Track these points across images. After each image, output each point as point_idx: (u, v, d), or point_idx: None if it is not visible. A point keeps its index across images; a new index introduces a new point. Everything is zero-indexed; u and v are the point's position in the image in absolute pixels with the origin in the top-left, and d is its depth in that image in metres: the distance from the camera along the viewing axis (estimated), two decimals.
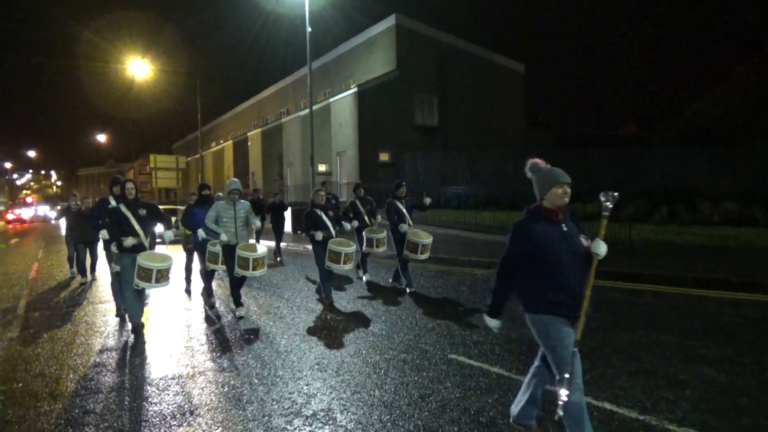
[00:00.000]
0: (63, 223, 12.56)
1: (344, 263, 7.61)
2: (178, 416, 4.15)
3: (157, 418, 4.12)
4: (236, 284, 7.45)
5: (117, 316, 7.65)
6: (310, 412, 4.15)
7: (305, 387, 4.68)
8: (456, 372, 4.92)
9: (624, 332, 5.97)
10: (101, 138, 61.60)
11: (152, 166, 27.11)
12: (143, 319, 6.81)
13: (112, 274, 7.70)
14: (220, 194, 13.72)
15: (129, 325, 6.79)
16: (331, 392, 4.53)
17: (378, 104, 24.90)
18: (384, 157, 25.13)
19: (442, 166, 23.41)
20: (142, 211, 6.56)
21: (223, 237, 7.09)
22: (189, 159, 46.88)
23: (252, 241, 7.14)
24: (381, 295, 8.49)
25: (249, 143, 38.60)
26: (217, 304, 8.27)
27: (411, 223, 8.65)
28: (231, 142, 43.25)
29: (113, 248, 6.67)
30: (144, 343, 6.30)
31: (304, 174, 28.17)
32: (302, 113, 29.54)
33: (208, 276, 8.45)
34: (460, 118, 27.68)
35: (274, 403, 4.35)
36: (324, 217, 7.84)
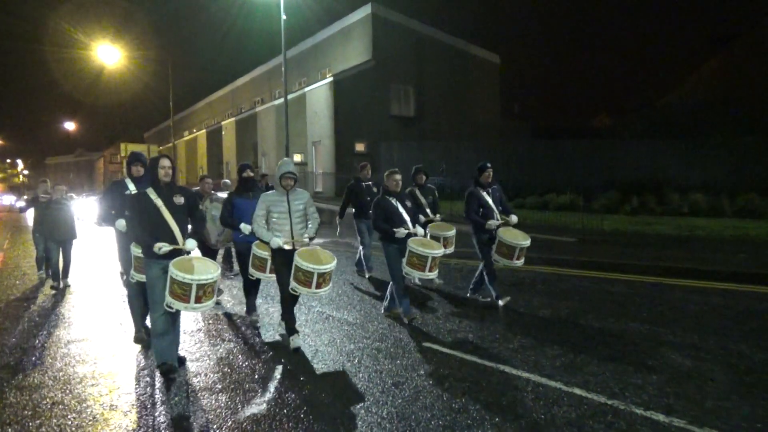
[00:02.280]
0: (31, 215, 10.23)
1: (430, 270, 6.00)
2: (150, 405, 4.10)
3: (128, 406, 4.07)
4: (291, 304, 5.42)
5: (136, 341, 5.73)
6: (287, 402, 4.13)
7: (279, 376, 4.66)
8: (430, 360, 4.95)
9: (595, 320, 6.09)
10: (70, 126, 60.10)
11: (123, 156, 26.64)
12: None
13: (130, 286, 5.73)
14: (228, 181, 12.01)
15: (142, 354, 5.27)
16: (317, 380, 4.52)
17: (354, 94, 24.78)
18: (360, 147, 25.07)
19: (418, 157, 23.47)
20: (179, 199, 4.71)
21: (276, 241, 5.17)
22: (161, 148, 46.04)
23: (314, 244, 5.41)
24: (355, 285, 8.48)
25: (223, 132, 38.13)
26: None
27: (499, 218, 6.79)
28: (204, 131, 42.67)
29: (134, 250, 5.18)
30: (180, 390, 4.37)
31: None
32: (277, 102, 29.25)
33: (251, 288, 6.67)
34: (436, 108, 27.73)
35: (249, 392, 4.32)
36: (400, 209, 6.20)
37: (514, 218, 6.83)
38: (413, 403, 4.02)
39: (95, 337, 6.04)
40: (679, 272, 8.27)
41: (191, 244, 4.63)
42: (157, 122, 61.15)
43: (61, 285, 9.00)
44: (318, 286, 5.11)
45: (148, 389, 4.46)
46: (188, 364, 5.04)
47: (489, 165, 6.86)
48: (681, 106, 27.31)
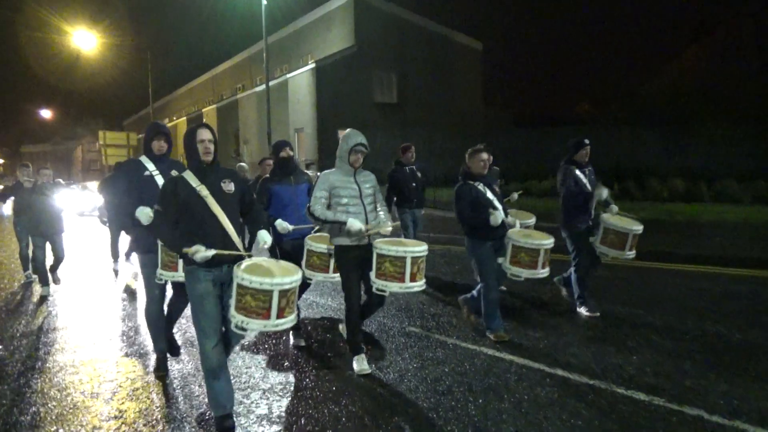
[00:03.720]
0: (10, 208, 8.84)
1: (542, 266, 4.83)
2: (131, 391, 4.06)
3: (109, 394, 4.02)
4: (365, 311, 4.51)
5: (158, 375, 4.36)
6: (268, 385, 4.13)
7: (263, 362, 4.64)
8: (414, 344, 4.97)
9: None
10: (46, 114, 58.90)
11: (102, 143, 26.23)
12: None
13: (151, 290, 4.29)
14: (244, 164, 9.57)
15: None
16: (293, 366, 4.50)
17: (336, 81, 24.58)
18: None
19: (402, 144, 23.40)
20: (228, 186, 3.46)
21: (355, 222, 4.06)
22: (141, 136, 45.41)
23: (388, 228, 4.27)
24: None
25: (204, 120, 37.64)
26: None
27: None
28: (185, 118, 42.06)
29: (163, 254, 4.06)
30: None
31: (260, 152, 27.71)
32: (258, 89, 28.93)
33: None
34: (419, 95, 27.65)
35: (232, 378, 4.28)
36: (489, 195, 5.01)
37: (614, 207, 5.68)
38: (398, 386, 4.03)
39: (75, 326, 5.95)
40: (659, 256, 8.39)
41: (264, 236, 3.49)
42: (136, 109, 60.15)
43: (51, 282, 7.67)
44: (413, 278, 4.05)
45: (129, 376, 4.41)
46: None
47: (587, 141, 5.64)
48: (661, 95, 27.59)
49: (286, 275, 3.15)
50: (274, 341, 5.16)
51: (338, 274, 4.48)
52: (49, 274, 7.63)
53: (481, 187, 5.01)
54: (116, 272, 8.90)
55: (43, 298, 7.24)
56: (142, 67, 40.75)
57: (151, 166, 4.17)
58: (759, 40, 25.17)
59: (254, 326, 3.15)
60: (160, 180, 4.06)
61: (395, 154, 7.87)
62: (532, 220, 6.44)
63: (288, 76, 26.81)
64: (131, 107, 62.03)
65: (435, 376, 4.19)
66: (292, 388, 4.06)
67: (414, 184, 7.51)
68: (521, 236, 4.85)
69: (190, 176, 3.38)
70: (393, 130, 24.50)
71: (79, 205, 21.22)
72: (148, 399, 3.95)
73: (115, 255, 8.95)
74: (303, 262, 4.77)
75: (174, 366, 4.58)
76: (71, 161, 79.22)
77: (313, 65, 24.65)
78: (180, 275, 3.88)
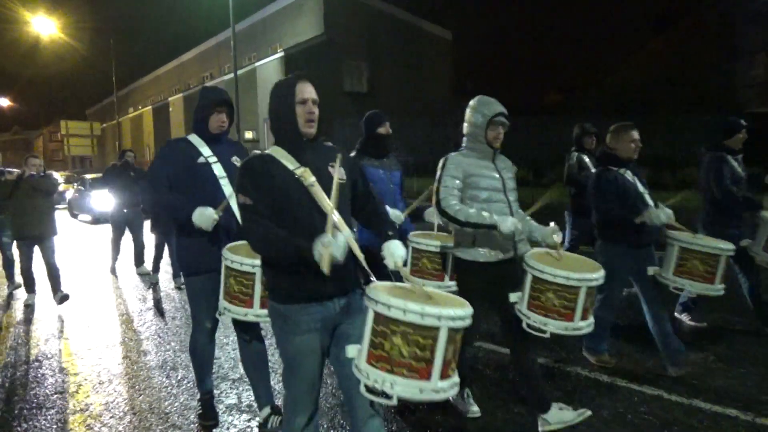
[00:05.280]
0: None
1: (720, 280, 3.58)
2: (97, 385, 3.99)
3: (75, 388, 3.94)
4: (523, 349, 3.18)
5: (206, 424, 3.34)
6: (237, 375, 4.10)
7: (233, 352, 4.60)
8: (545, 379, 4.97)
9: None
10: (3, 102, 56.88)
11: (64, 133, 25.49)
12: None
13: (200, 321, 3.26)
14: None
15: None
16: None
17: (306, 69, 24.32)
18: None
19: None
20: (339, 171, 2.27)
21: (512, 221, 2.85)
22: (105, 125, 44.34)
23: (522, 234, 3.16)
24: None
25: (170, 109, 36.88)
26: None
27: None
28: (150, 107, 41.18)
29: (234, 279, 2.81)
30: None
31: None
32: (226, 78, 28.45)
33: None
34: (390, 84, 27.60)
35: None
36: (640, 186, 3.86)
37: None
38: None
39: (38, 321, 5.81)
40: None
41: (397, 249, 2.19)
42: (100, 98, 58.55)
43: (32, 297, 6.39)
44: (584, 315, 2.84)
45: (94, 370, 4.33)
46: (137, 344, 4.91)
47: (744, 123, 4.63)
48: (627, 85, 28.16)
49: (455, 305, 1.95)
50: None
51: (455, 282, 3.30)
52: (54, 294, 6.18)
53: (629, 176, 3.86)
54: (114, 271, 8.08)
55: (11, 297, 7.02)
56: (106, 54, 39.65)
57: (206, 150, 3.08)
58: (720, 30, 25.84)
59: (407, 393, 1.86)
60: (218, 170, 3.05)
61: None
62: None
63: (257, 64, 26.44)
64: (95, 96, 60.50)
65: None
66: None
67: None
68: (691, 237, 3.66)
69: (281, 154, 2.20)
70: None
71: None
72: (115, 392, 3.89)
73: (115, 254, 8.14)
74: (407, 267, 2.93)
75: (141, 358, 4.51)
76: (32, 152, 76.68)
77: (282, 54, 24.37)
78: (259, 314, 2.75)
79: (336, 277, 2.03)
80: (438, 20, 32.41)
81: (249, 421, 3.38)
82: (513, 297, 3.01)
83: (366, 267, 2.11)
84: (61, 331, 5.36)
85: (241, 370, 4.16)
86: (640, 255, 3.83)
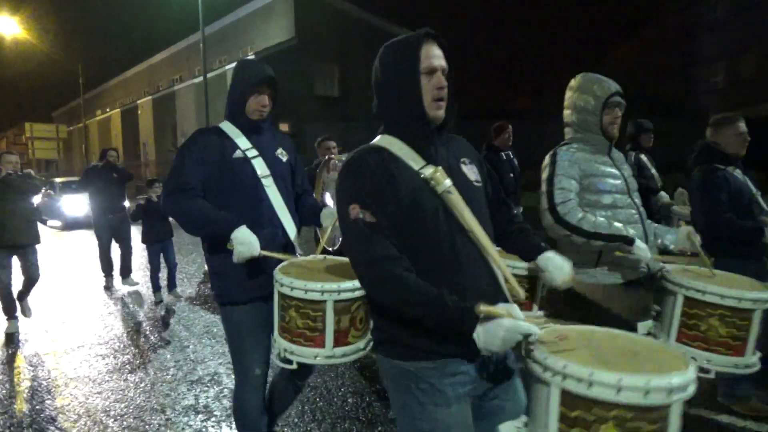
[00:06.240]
0: None
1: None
2: (53, 388, 3.97)
3: (30, 392, 3.91)
4: None
5: None
6: (196, 377, 4.12)
7: (192, 354, 4.62)
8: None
9: None
10: None
11: (28, 136, 24.92)
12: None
13: (246, 372, 2.43)
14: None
15: None
16: (219, 358, 4.50)
17: (277, 73, 22.68)
18: (284, 127, 24.64)
19: (344, 138, 23.40)
20: (470, 168, 1.70)
21: (643, 248, 2.27)
22: (71, 128, 43.49)
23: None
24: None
25: (139, 112, 36.37)
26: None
27: None
28: (119, 110, 40.52)
29: (293, 314, 2.05)
30: None
31: None
32: (197, 81, 28.19)
33: None
34: (361, 89, 27.60)
35: (158, 371, 4.26)
36: (752, 186, 3.26)
37: None
38: (325, 373, 4.10)
39: None
40: None
41: (564, 267, 1.81)
42: (66, 100, 57.34)
43: (21, 313, 5.58)
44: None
45: (51, 373, 4.30)
46: (96, 348, 4.89)
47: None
48: None
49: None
50: (205, 337, 5.14)
51: (543, 312, 2.41)
52: (17, 303, 5.51)
53: (739, 174, 3.22)
54: (109, 288, 7.21)
55: None
56: (73, 55, 38.89)
57: (243, 142, 2.43)
58: (682, 37, 26.63)
59: None
60: (260, 166, 2.41)
61: None
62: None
63: (227, 67, 26.25)
64: (61, 98, 59.19)
65: (366, 362, 4.20)
66: (220, 379, 4.06)
67: (512, 175, 5.96)
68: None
69: (398, 148, 1.58)
70: (334, 124, 24.48)
71: None
72: (70, 395, 3.87)
73: (107, 268, 7.29)
74: None
75: (100, 362, 4.50)
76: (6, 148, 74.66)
77: (253, 57, 24.25)
78: (332, 354, 2.02)
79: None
80: (409, 24, 32.64)
81: (204, 422, 3.41)
82: (643, 327, 2.27)
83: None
84: (18, 336, 5.28)
85: (200, 372, 4.19)
86: (748, 269, 2.73)
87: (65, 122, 39.37)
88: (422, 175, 1.51)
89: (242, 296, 2.36)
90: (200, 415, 3.49)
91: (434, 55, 1.56)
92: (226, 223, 2.21)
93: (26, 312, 5.66)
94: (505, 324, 1.29)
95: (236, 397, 2.47)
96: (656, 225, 2.58)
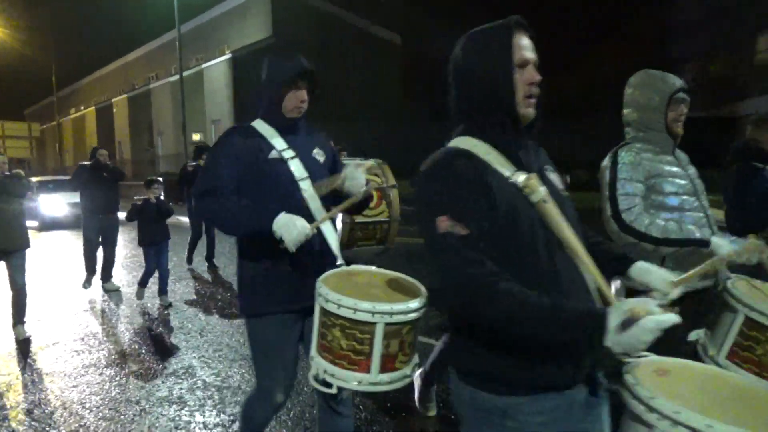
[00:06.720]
0: None
1: None
2: (29, 383, 4.03)
3: (6, 387, 3.97)
4: None
5: None
6: (171, 370, 4.22)
7: (167, 349, 4.73)
8: None
9: None
10: None
11: (0, 135, 24.52)
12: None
13: (266, 387, 2.32)
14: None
15: None
16: (193, 352, 4.61)
17: (254, 72, 23.84)
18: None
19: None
20: (555, 175, 1.62)
21: (723, 245, 2.16)
22: (44, 126, 42.75)
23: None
24: None
25: (114, 110, 35.97)
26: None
27: None
28: (93, 108, 39.97)
29: (339, 334, 1.79)
30: None
31: (176, 143, 26.88)
32: (172, 79, 28.00)
33: None
34: (339, 87, 27.70)
35: (133, 365, 4.35)
36: None
37: None
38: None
39: None
40: None
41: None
42: (39, 98, 56.29)
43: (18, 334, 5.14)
44: None
45: (27, 369, 4.36)
46: (71, 344, 4.95)
47: None
48: (571, 89, 29.29)
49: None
50: (180, 332, 5.23)
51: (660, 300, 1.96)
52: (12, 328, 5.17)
53: None
54: (86, 287, 6.91)
55: None
56: (46, 52, 38.19)
57: (279, 142, 2.29)
58: (654, 38, 27.24)
59: None
60: (297, 168, 2.26)
61: None
62: None
63: (203, 66, 26.16)
64: (34, 96, 57.95)
65: None
66: (194, 371, 4.17)
67: None
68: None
69: (485, 152, 1.41)
70: (312, 123, 24.51)
71: None
72: (47, 389, 3.95)
73: (90, 268, 6.92)
74: None
75: (75, 357, 4.56)
76: None
77: (229, 56, 24.22)
78: (378, 381, 1.78)
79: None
80: (386, 24, 32.78)
81: (178, 411, 3.52)
82: (694, 335, 2.07)
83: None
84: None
85: (175, 366, 4.29)
86: None
87: (38, 120, 38.72)
88: (515, 183, 1.35)
89: (271, 308, 2.21)
90: (174, 406, 3.60)
91: (526, 46, 1.42)
92: (262, 217, 2.05)
93: (21, 333, 5.12)
94: (648, 323, 1.11)
95: (250, 403, 2.36)
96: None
